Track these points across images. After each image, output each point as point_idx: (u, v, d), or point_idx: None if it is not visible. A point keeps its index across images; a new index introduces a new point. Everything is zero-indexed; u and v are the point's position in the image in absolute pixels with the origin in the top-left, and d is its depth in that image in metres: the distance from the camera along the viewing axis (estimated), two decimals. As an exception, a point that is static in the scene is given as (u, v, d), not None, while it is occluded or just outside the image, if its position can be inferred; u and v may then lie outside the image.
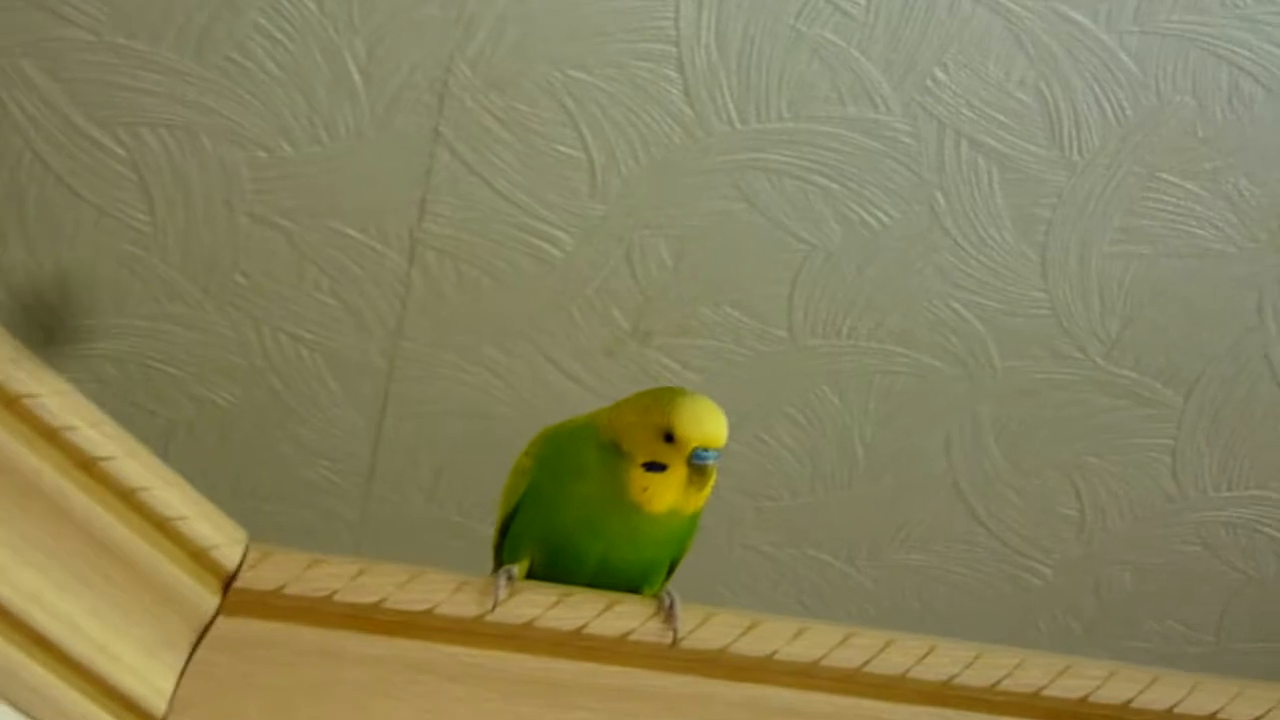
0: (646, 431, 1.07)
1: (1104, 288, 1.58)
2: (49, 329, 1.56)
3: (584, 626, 1.02)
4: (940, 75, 1.45)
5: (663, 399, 1.08)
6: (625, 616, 1.02)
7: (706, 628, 1.03)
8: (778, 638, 1.03)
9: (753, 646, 1.03)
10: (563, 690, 1.01)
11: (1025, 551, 1.77)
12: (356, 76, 1.46)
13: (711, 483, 1.08)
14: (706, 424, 1.06)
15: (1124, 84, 1.46)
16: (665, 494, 1.07)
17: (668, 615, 1.04)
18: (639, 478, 1.07)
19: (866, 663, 1.03)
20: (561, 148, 1.50)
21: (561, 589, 1.04)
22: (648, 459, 1.07)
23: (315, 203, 1.51)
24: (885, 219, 1.54)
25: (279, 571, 0.98)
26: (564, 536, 1.09)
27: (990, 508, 1.73)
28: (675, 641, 1.03)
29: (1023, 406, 1.65)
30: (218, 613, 0.98)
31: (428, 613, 1.00)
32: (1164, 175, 1.50)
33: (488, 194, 1.53)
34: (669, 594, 1.06)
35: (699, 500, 1.08)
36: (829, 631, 1.03)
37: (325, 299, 1.57)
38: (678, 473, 1.07)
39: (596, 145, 1.50)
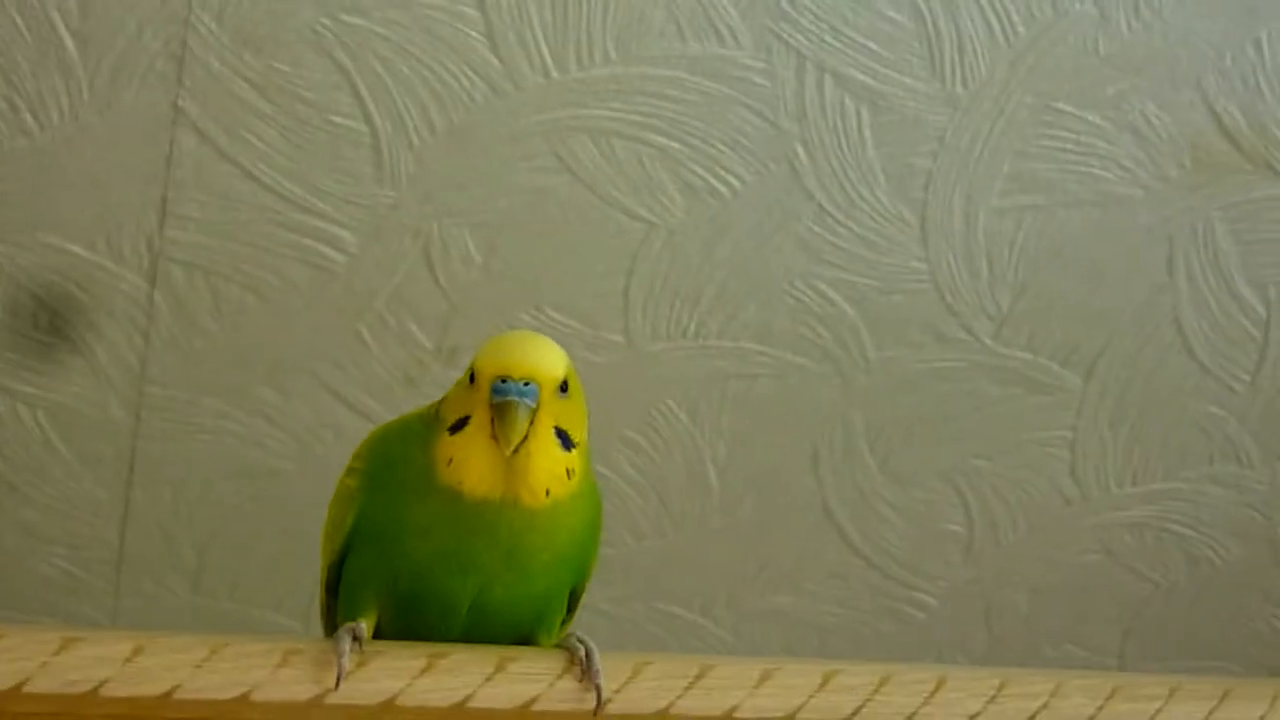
0: (459, 385, 0.81)
1: (993, 251, 1.33)
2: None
3: (469, 698, 0.71)
4: (798, -6, 1.19)
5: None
6: (525, 678, 0.71)
7: (639, 683, 0.72)
8: (737, 686, 0.73)
9: (705, 703, 0.73)
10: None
11: (907, 580, 1.51)
12: (69, 43, 1.15)
13: (550, 441, 0.79)
14: (513, 348, 0.79)
15: (1014, -8, 1.21)
16: (472, 459, 0.78)
17: (583, 670, 0.74)
18: (444, 447, 0.79)
19: (858, 710, 0.73)
20: (337, 118, 1.21)
21: (429, 648, 0.73)
22: (452, 419, 0.80)
23: (23, 214, 1.22)
24: (736, 183, 1.26)
25: (15, 660, 0.65)
26: (416, 576, 0.78)
27: (866, 531, 1.46)
28: (600, 707, 0.72)
29: (901, 405, 1.40)
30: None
31: (242, 700, 0.68)
32: (1060, 105, 1.27)
33: (246, 185, 1.22)
34: (580, 640, 0.76)
35: (544, 467, 0.79)
36: (805, 673, 0.74)
37: (45, 338, 1.23)
38: (479, 421, 0.79)
39: (380, 111, 1.20)
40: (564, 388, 0.79)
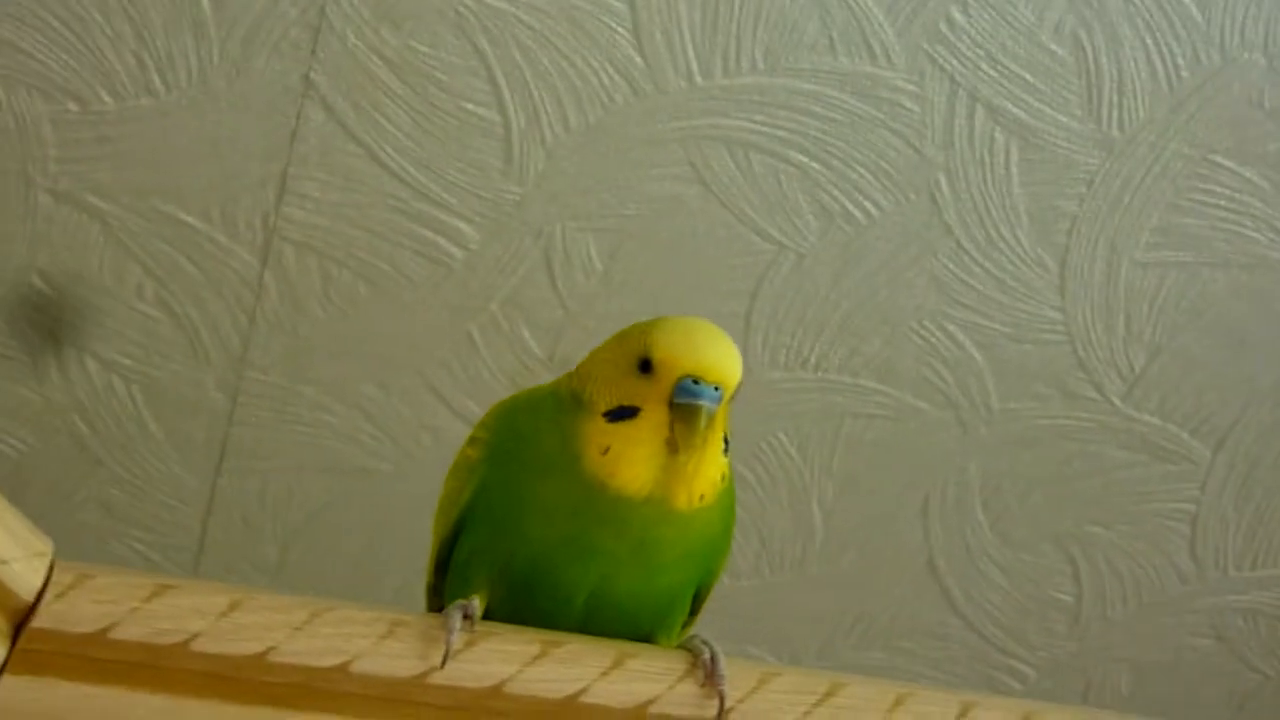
0: (618, 366, 0.74)
1: (1131, 307, 1.27)
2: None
3: (582, 692, 0.66)
4: (958, 16, 1.15)
5: (647, 323, 0.75)
6: (644, 676, 0.66)
7: (764, 694, 0.67)
8: (869, 708, 0.67)
9: (833, 722, 0.67)
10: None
11: (1007, 647, 1.45)
12: (205, 2, 1.11)
13: (719, 446, 0.74)
14: (703, 345, 0.72)
15: (1182, 35, 1.16)
16: (636, 455, 0.71)
17: (707, 675, 0.69)
18: (597, 434, 0.72)
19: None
20: (470, 105, 1.17)
21: (545, 635, 0.68)
22: (612, 404, 0.73)
23: (141, 177, 1.18)
24: (874, 210, 1.22)
25: (102, 604, 0.61)
26: (534, 559, 0.73)
27: (970, 591, 1.40)
28: (722, 714, 0.67)
29: (1020, 461, 1.34)
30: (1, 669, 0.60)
31: (340, 670, 0.63)
32: (1217, 158, 1.21)
33: (370, 168, 1.18)
34: (704, 643, 0.70)
35: (706, 474, 0.73)
36: (940, 700, 0.68)
37: (149, 310, 1.20)
38: (653, 418, 0.72)
39: (516, 103, 1.16)
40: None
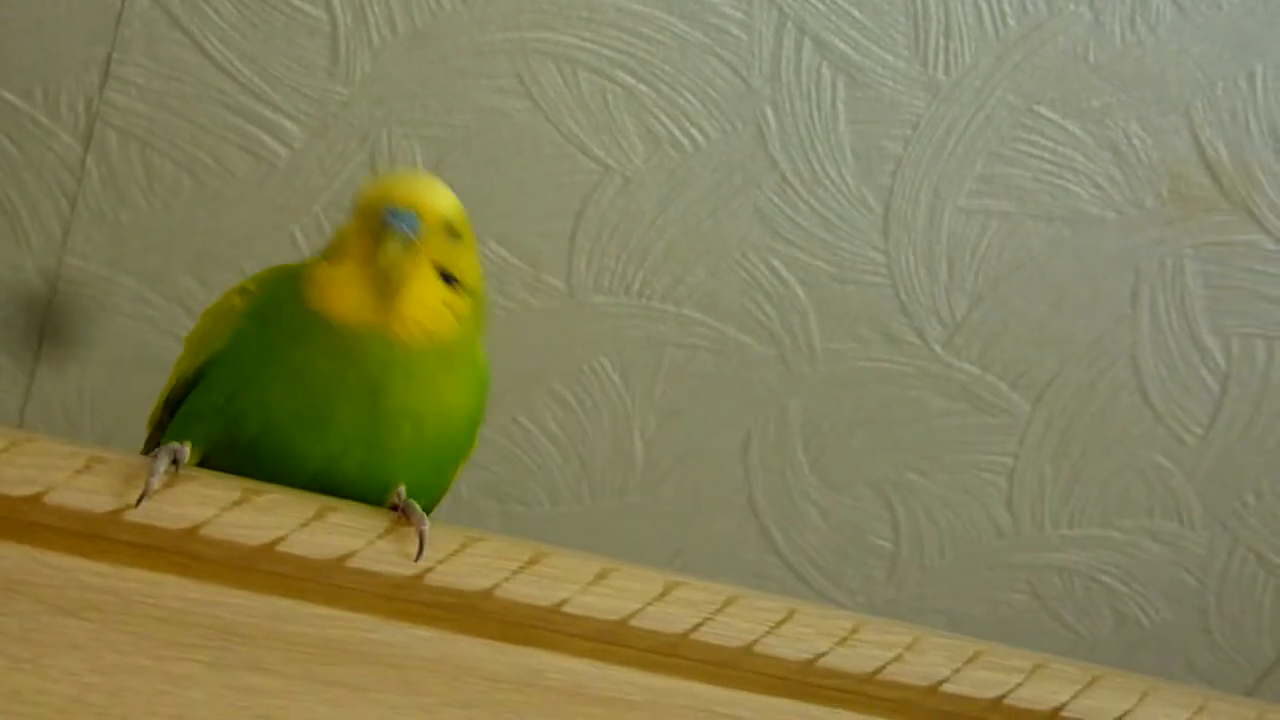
0: (346, 224, 0.78)
1: (954, 253, 1.28)
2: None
3: (280, 540, 0.66)
4: (787, -54, 1.15)
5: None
6: (343, 531, 0.66)
7: (465, 557, 0.67)
8: (571, 580, 0.68)
9: (533, 591, 0.68)
10: (236, 639, 0.65)
11: (825, 590, 1.45)
12: (27, -125, 1.11)
13: (432, 277, 0.76)
14: (401, 181, 0.78)
15: (1009, -19, 1.17)
16: (347, 284, 0.75)
17: (404, 513, 0.69)
18: (320, 275, 0.76)
19: (696, 627, 0.69)
20: (298, 1, 1.15)
21: (248, 484, 0.68)
22: (330, 251, 0.78)
23: (-38, 53, 1.13)
24: (700, 138, 1.22)
25: None
26: (266, 425, 0.73)
27: (789, 532, 1.41)
28: (420, 554, 0.67)
29: (841, 403, 1.34)
30: None
31: (33, 500, 0.63)
32: (1042, 110, 1.22)
33: (195, 58, 1.18)
34: (404, 500, 0.71)
35: (424, 302, 0.75)
36: (645, 578, 0.69)
37: (-32, 189, 1.19)
38: (359, 252, 0.75)
39: (344, 1, 1.15)
40: (453, 232, 0.75)
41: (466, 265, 0.77)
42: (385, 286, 0.74)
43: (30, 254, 1.25)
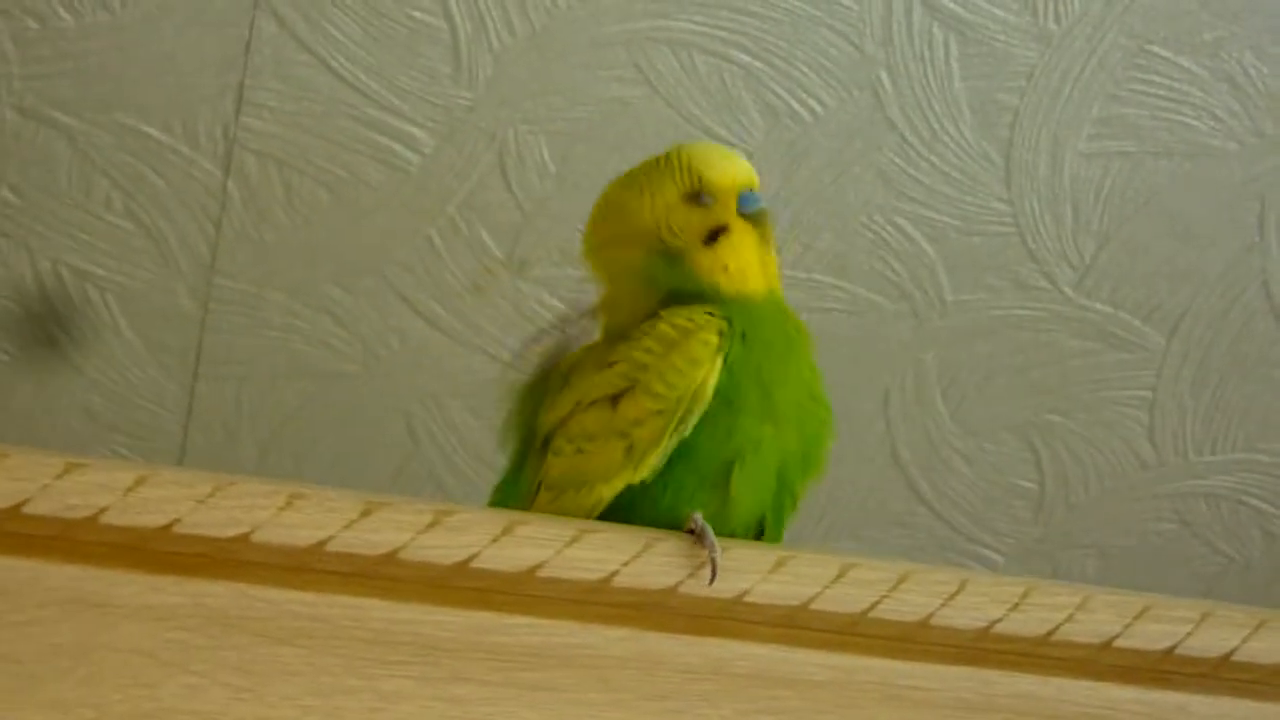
0: (674, 213, 0.80)
1: (1078, 197, 1.29)
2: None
3: (473, 558, 0.69)
4: (890, -86, 1.16)
5: (657, 170, 0.81)
6: (531, 542, 0.70)
7: (646, 560, 0.71)
8: (751, 570, 0.71)
9: (715, 585, 0.71)
10: (440, 654, 0.68)
11: (974, 535, 1.47)
12: (152, -83, 1.15)
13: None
14: (734, 164, 0.81)
15: (1113, -73, 1.18)
16: (747, 257, 0.80)
17: (698, 537, 0.74)
18: (706, 259, 0.79)
19: (873, 605, 0.72)
20: (417, 13, 1.19)
21: (440, 506, 0.71)
22: (702, 234, 0.80)
23: (100, 92, 1.21)
24: (818, 108, 1.24)
25: (17, 480, 0.65)
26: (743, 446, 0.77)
27: (934, 481, 1.43)
28: (607, 576, 0.71)
29: (976, 352, 1.36)
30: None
31: (240, 540, 0.67)
32: (1155, 49, 1.23)
33: (323, 77, 1.21)
34: (700, 524, 0.74)
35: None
36: (822, 563, 0.72)
37: (118, 221, 1.23)
38: (739, 227, 0.80)
39: (461, 10, 1.19)
40: None
41: None
42: (770, 261, 0.80)
43: (181, 278, 1.29)
